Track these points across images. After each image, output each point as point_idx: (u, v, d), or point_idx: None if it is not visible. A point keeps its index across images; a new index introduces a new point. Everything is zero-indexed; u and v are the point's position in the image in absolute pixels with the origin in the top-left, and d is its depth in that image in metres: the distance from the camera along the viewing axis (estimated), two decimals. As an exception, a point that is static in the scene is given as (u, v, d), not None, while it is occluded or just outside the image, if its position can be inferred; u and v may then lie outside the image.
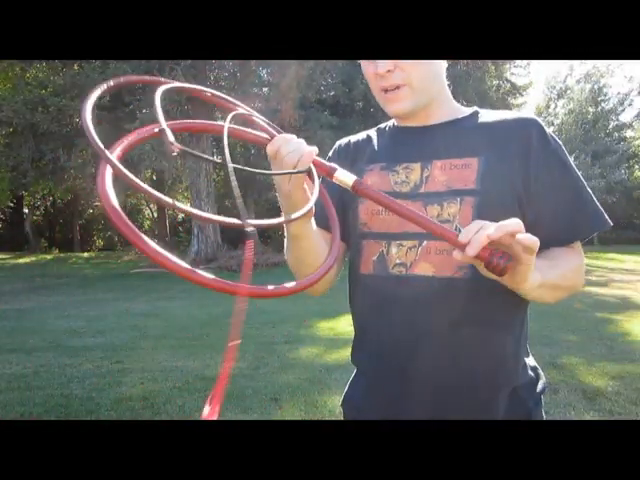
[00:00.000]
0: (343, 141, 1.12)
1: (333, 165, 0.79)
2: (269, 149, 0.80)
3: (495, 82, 18.72)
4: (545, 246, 0.93)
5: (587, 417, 3.07)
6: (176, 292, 8.32)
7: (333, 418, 3.01)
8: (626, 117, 28.00)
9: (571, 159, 0.96)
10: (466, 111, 1.02)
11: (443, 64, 0.98)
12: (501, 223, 0.70)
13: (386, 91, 0.95)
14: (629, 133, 25.23)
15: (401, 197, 0.95)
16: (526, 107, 25.19)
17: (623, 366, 4.15)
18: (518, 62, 19.51)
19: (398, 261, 0.93)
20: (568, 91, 25.97)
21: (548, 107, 27.07)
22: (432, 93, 0.97)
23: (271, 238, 16.05)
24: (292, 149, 0.77)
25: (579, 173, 0.96)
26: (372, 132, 1.10)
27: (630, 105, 24.76)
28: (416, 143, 0.99)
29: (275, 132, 0.81)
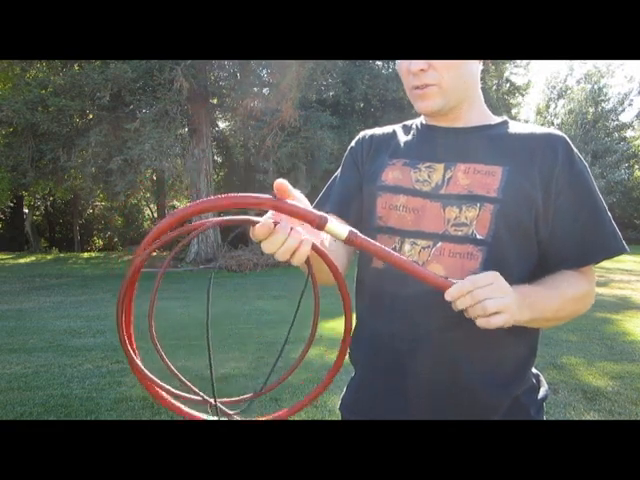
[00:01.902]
0: (368, 132, 1.12)
1: (324, 215, 0.72)
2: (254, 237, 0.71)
3: (495, 82, 18.70)
4: (555, 267, 0.93)
5: (587, 417, 3.07)
6: (176, 292, 8.31)
7: (333, 418, 3.01)
8: (626, 117, 27.99)
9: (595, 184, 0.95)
10: (496, 119, 1.02)
11: (478, 67, 0.98)
12: (487, 307, 0.77)
13: (417, 88, 0.95)
14: (629, 133, 25.18)
15: (421, 196, 0.95)
16: (526, 107, 25.19)
17: (623, 366, 4.15)
18: (518, 62, 19.50)
19: (410, 259, 0.93)
20: (568, 91, 25.93)
21: (548, 107, 27.02)
22: (462, 95, 0.97)
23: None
24: (278, 246, 0.70)
25: (601, 198, 0.95)
26: (398, 127, 1.10)
27: (630, 105, 24.69)
28: (442, 144, 0.99)
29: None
